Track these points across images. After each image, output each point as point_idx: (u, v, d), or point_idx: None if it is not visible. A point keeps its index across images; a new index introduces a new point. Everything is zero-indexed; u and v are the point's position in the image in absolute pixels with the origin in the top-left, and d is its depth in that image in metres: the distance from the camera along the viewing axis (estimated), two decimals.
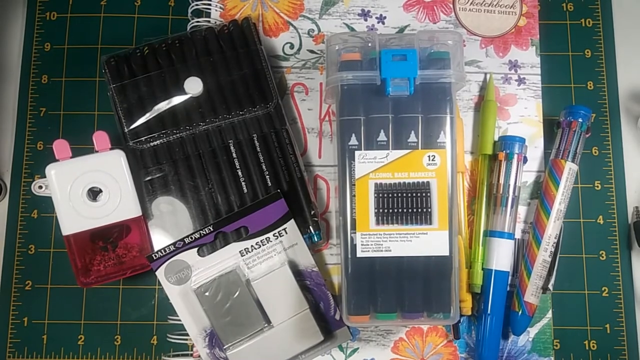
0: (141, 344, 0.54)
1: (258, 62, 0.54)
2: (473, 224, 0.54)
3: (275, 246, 0.51)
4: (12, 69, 0.57)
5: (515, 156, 0.53)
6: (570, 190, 0.53)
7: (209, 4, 0.57)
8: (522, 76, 0.57)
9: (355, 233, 0.48)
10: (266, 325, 0.50)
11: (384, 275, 0.48)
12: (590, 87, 0.57)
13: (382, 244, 0.48)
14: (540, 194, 0.54)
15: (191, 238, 0.51)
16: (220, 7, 0.57)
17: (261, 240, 0.51)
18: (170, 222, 0.53)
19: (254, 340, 0.50)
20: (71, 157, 0.51)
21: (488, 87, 0.56)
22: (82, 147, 0.53)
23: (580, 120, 0.53)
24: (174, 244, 0.51)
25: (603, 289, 0.55)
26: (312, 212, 0.53)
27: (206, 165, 0.53)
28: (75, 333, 0.54)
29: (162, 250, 0.50)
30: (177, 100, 0.52)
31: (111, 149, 0.52)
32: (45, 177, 0.51)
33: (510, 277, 0.53)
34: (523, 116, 0.56)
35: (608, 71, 0.58)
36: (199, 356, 0.51)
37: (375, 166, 0.49)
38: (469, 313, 0.52)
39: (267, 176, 0.53)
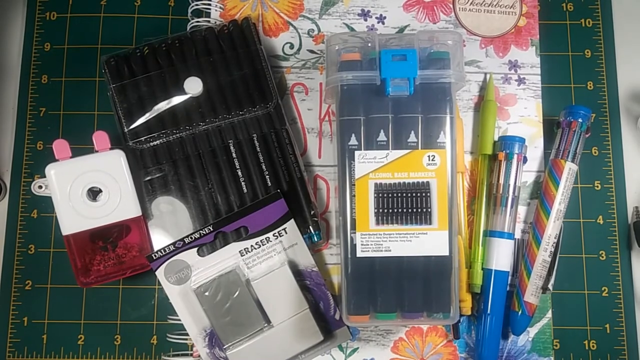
0: (141, 343, 0.54)
1: (258, 62, 0.54)
2: (473, 224, 0.54)
3: (275, 246, 0.51)
4: (12, 69, 0.57)
5: (515, 156, 0.53)
6: (570, 190, 0.53)
7: (209, 4, 0.57)
8: (522, 76, 0.57)
9: (355, 233, 0.48)
10: (266, 325, 0.50)
11: (384, 275, 0.48)
12: (590, 87, 0.57)
13: (382, 244, 0.48)
14: (540, 194, 0.54)
15: (191, 238, 0.51)
16: (220, 7, 0.57)
17: (261, 240, 0.51)
18: (170, 222, 0.53)
19: (254, 340, 0.50)
20: (71, 157, 0.51)
21: (488, 87, 0.56)
22: (82, 147, 0.53)
23: (580, 120, 0.53)
24: (173, 243, 0.51)
25: (603, 289, 0.55)
26: (312, 212, 0.53)
27: (206, 165, 0.53)
28: (75, 333, 0.54)
29: (162, 250, 0.50)
30: (177, 100, 0.52)
31: (111, 149, 0.52)
32: (45, 177, 0.51)
33: (510, 277, 0.53)
34: (523, 116, 0.56)
35: (608, 71, 0.58)
36: (199, 356, 0.51)
37: (375, 166, 0.49)
38: (469, 313, 0.52)
39: (267, 176, 0.53)
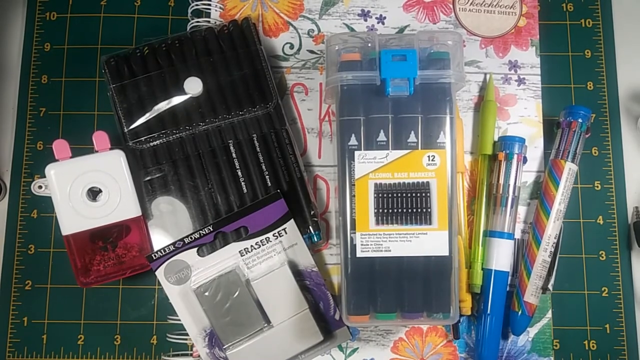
0: (141, 343, 0.54)
1: (258, 62, 0.54)
2: (473, 224, 0.54)
3: (275, 246, 0.51)
4: (12, 69, 0.57)
5: (515, 156, 0.53)
6: (570, 190, 0.53)
7: (209, 4, 0.57)
8: (522, 76, 0.57)
9: (355, 233, 0.48)
10: (266, 325, 0.50)
11: (384, 275, 0.48)
12: (590, 87, 0.57)
13: (381, 244, 0.48)
14: (540, 194, 0.54)
15: (191, 238, 0.51)
16: (220, 7, 0.57)
17: (261, 240, 0.51)
18: (170, 222, 0.53)
19: (254, 340, 0.50)
20: (71, 157, 0.51)
21: (488, 87, 0.56)
22: (82, 147, 0.53)
23: (580, 120, 0.53)
24: (173, 244, 0.51)
25: (603, 289, 0.55)
26: (312, 212, 0.53)
27: (206, 165, 0.53)
28: (75, 333, 0.54)
29: (162, 250, 0.50)
30: (177, 100, 0.52)
31: (111, 149, 0.52)
32: (45, 177, 0.51)
33: (510, 277, 0.53)
34: (523, 116, 0.56)
35: (608, 71, 0.58)
36: (199, 356, 0.51)
37: (375, 166, 0.49)
38: (469, 313, 0.52)
39: (267, 176, 0.53)
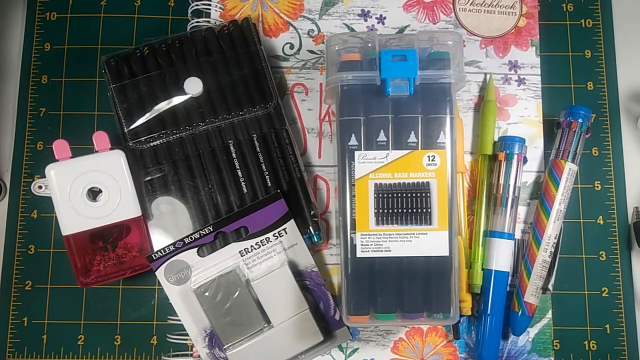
0: (141, 344, 0.54)
1: (258, 62, 0.54)
2: (473, 224, 0.54)
3: (275, 246, 0.51)
4: (12, 69, 0.57)
5: (515, 156, 0.53)
6: (570, 190, 0.53)
7: (209, 5, 0.57)
8: (522, 76, 0.57)
9: (355, 233, 0.48)
10: (266, 325, 0.50)
11: (384, 275, 0.48)
12: (590, 87, 0.57)
13: (382, 244, 0.48)
14: (540, 194, 0.54)
15: (191, 238, 0.51)
16: (220, 8, 0.57)
17: (261, 241, 0.51)
18: (170, 222, 0.53)
19: (254, 340, 0.50)
20: (71, 157, 0.51)
21: (488, 87, 0.56)
22: (82, 147, 0.53)
23: (580, 120, 0.53)
24: (173, 244, 0.51)
25: (603, 289, 0.55)
26: (312, 212, 0.53)
27: (206, 166, 0.53)
28: (75, 333, 0.54)
29: (162, 251, 0.50)
30: (177, 100, 0.52)
31: (111, 149, 0.52)
32: (45, 177, 0.51)
33: (510, 277, 0.53)
34: (523, 116, 0.56)
35: (608, 71, 0.58)
36: (199, 356, 0.51)
37: (375, 166, 0.49)
38: (469, 313, 0.52)
39: (267, 176, 0.53)
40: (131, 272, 0.52)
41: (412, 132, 0.49)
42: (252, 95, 0.53)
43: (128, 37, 0.57)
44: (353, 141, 0.49)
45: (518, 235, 0.54)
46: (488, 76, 0.57)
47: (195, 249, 0.51)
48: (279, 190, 0.52)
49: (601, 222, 0.55)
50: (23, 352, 0.53)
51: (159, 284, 0.52)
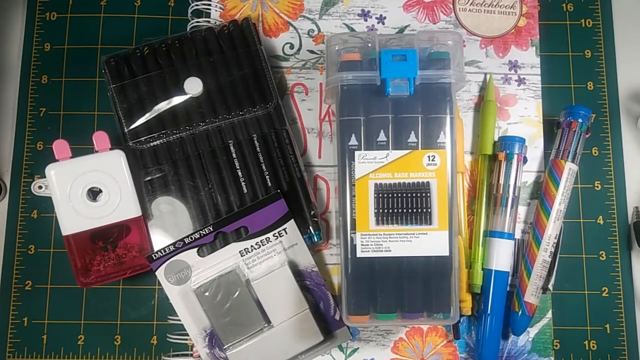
0: (141, 344, 0.54)
1: (258, 62, 0.54)
2: (473, 224, 0.54)
3: (275, 246, 0.51)
4: (12, 69, 0.57)
5: (515, 156, 0.53)
6: (570, 190, 0.53)
7: (209, 4, 0.57)
8: (522, 76, 0.57)
9: (355, 233, 0.48)
10: (266, 325, 0.50)
11: (384, 275, 0.48)
12: (590, 87, 0.57)
13: (382, 244, 0.48)
14: (540, 194, 0.54)
15: (191, 238, 0.51)
16: (220, 8, 0.57)
17: (261, 241, 0.51)
18: (170, 222, 0.53)
19: (254, 340, 0.50)
20: (71, 157, 0.51)
21: (488, 87, 0.56)
22: (82, 147, 0.53)
23: (580, 120, 0.53)
24: (173, 244, 0.51)
25: (603, 289, 0.55)
26: (312, 212, 0.53)
27: (206, 166, 0.53)
28: (75, 333, 0.54)
29: (162, 251, 0.50)
30: (177, 100, 0.52)
31: (111, 149, 0.52)
32: (45, 177, 0.51)
33: (510, 277, 0.53)
34: (523, 116, 0.56)
35: (608, 71, 0.58)
36: (199, 356, 0.51)
37: (375, 166, 0.49)
38: (469, 313, 0.52)
39: (267, 176, 0.53)
40: (131, 272, 0.52)
41: (412, 132, 0.49)
42: (252, 95, 0.53)
43: (128, 37, 0.57)
44: (353, 141, 0.49)
45: (518, 235, 0.54)
46: (488, 76, 0.57)
47: (195, 249, 0.51)
48: (279, 190, 0.52)
49: (601, 222, 0.55)
50: (23, 352, 0.53)
51: (159, 284, 0.52)
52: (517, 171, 0.53)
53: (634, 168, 0.57)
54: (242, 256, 0.51)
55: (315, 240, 0.53)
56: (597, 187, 0.56)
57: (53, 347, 0.53)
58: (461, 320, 0.53)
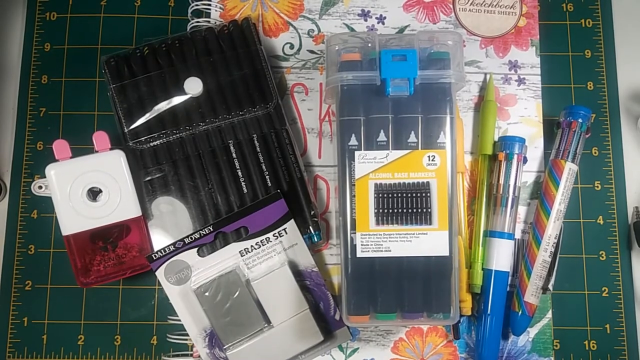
0: (141, 344, 0.54)
1: (258, 62, 0.54)
2: (473, 224, 0.54)
3: (275, 246, 0.51)
4: (12, 69, 0.57)
5: (515, 156, 0.53)
6: (570, 190, 0.53)
7: (209, 5, 0.57)
8: (522, 76, 0.57)
9: (355, 233, 0.48)
10: (266, 325, 0.50)
11: (384, 275, 0.48)
12: (590, 87, 0.57)
13: (382, 244, 0.48)
14: (540, 194, 0.54)
15: (191, 238, 0.51)
16: (220, 8, 0.57)
17: (261, 241, 0.51)
18: (170, 222, 0.53)
19: (254, 340, 0.50)
20: (71, 157, 0.51)
21: (488, 87, 0.56)
22: (82, 147, 0.53)
23: (580, 120, 0.53)
24: (173, 244, 0.51)
25: (603, 289, 0.55)
26: (312, 212, 0.53)
27: (206, 166, 0.53)
28: (75, 333, 0.54)
29: (162, 251, 0.50)
30: (177, 100, 0.52)
31: (111, 149, 0.52)
32: (45, 177, 0.51)
33: (510, 277, 0.53)
34: (523, 116, 0.56)
35: (608, 71, 0.58)
36: (199, 356, 0.51)
37: (375, 166, 0.49)
38: (469, 313, 0.52)
39: (267, 176, 0.53)
40: (131, 272, 0.52)
41: (412, 132, 0.49)
42: (252, 95, 0.53)
43: (128, 37, 0.57)
44: (353, 141, 0.49)
45: (518, 235, 0.54)
46: (488, 76, 0.57)
47: (196, 249, 0.51)
48: (279, 190, 0.52)
49: (601, 222, 0.55)
50: (23, 352, 0.53)
51: (159, 284, 0.52)
52: (517, 171, 0.53)
53: (634, 168, 0.57)
54: (242, 256, 0.51)
55: (315, 240, 0.53)
56: (597, 187, 0.56)
57: (53, 347, 0.53)
58: (461, 320, 0.53)
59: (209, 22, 0.56)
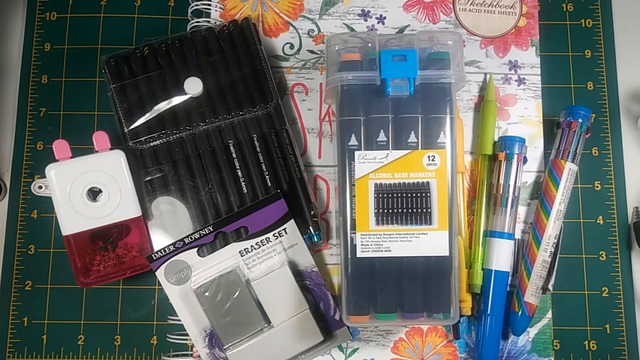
0: (141, 344, 0.54)
1: (258, 62, 0.54)
2: (473, 224, 0.54)
3: (275, 246, 0.51)
4: (12, 69, 0.57)
5: (515, 156, 0.53)
6: (570, 190, 0.53)
7: (209, 4, 0.57)
8: (522, 76, 0.57)
9: (355, 233, 0.48)
10: (266, 325, 0.50)
11: (384, 275, 0.48)
12: (590, 87, 0.57)
13: (382, 244, 0.48)
14: (540, 194, 0.54)
15: (191, 238, 0.51)
16: (220, 8, 0.57)
17: (261, 241, 0.51)
18: (170, 222, 0.53)
19: (254, 340, 0.50)
20: (71, 157, 0.51)
21: (488, 87, 0.56)
22: (82, 147, 0.53)
23: (580, 120, 0.53)
24: (173, 244, 0.51)
25: (603, 289, 0.55)
26: (312, 212, 0.53)
27: (206, 166, 0.53)
28: (75, 333, 0.54)
29: (162, 251, 0.50)
30: (177, 100, 0.52)
31: (111, 149, 0.52)
32: (45, 177, 0.51)
33: (510, 277, 0.53)
34: (523, 116, 0.56)
35: (608, 71, 0.58)
36: (199, 356, 0.51)
37: (375, 166, 0.49)
38: (469, 313, 0.52)
39: (267, 176, 0.53)
40: (131, 272, 0.52)
41: (412, 132, 0.49)
42: (252, 95, 0.53)
43: (128, 37, 0.57)
44: (353, 141, 0.49)
45: (518, 235, 0.54)
46: (488, 76, 0.57)
47: (195, 249, 0.51)
48: (279, 190, 0.52)
49: (601, 222, 0.55)
50: (23, 352, 0.53)
51: (159, 284, 0.52)
52: (517, 171, 0.53)
53: (634, 168, 0.57)
54: (242, 256, 0.51)
55: (315, 240, 0.53)
56: (597, 187, 0.56)
57: (53, 347, 0.53)
58: (461, 320, 0.53)
59: (209, 22, 0.56)
